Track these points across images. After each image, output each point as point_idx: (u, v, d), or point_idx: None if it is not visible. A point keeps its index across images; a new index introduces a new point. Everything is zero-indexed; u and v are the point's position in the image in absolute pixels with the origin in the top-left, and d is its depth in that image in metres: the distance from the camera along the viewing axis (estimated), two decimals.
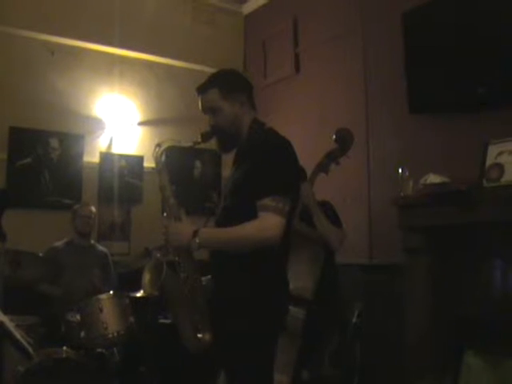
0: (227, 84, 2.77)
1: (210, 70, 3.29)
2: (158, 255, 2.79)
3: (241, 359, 2.56)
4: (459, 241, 4.08)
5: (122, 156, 6.31)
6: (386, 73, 5.16)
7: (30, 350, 3.07)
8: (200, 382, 4.48)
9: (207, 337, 2.63)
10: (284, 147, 2.65)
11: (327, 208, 3.92)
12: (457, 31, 4.33)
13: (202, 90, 2.79)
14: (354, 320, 4.04)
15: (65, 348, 4.02)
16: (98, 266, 5.27)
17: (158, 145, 2.79)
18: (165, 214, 2.77)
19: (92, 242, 5.45)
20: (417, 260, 4.26)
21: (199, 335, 2.63)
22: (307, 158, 3.44)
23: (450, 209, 3.99)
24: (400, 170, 4.34)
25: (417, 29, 4.66)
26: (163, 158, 2.79)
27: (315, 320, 3.59)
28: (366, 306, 4.22)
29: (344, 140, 3.94)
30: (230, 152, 2.87)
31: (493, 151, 3.95)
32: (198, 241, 2.55)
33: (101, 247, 5.53)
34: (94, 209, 5.46)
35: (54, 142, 5.90)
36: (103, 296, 4.38)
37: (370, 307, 4.35)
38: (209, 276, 2.79)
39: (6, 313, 3.10)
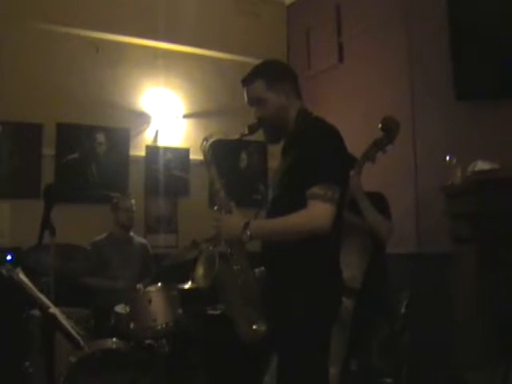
0: (272, 75, 2.76)
1: (253, 61, 3.27)
2: (211, 248, 2.78)
3: (294, 346, 2.54)
4: (509, 229, 4.00)
5: (167, 149, 6.36)
6: (431, 60, 5.08)
7: (81, 341, 3.11)
8: (249, 373, 4.50)
9: (263, 328, 2.64)
10: (331, 135, 2.64)
11: (377, 198, 3.89)
12: (504, 15, 4.25)
13: (247, 81, 2.78)
14: (403, 310, 4.01)
15: (114, 339, 4.08)
16: (139, 258, 5.33)
17: (206, 138, 2.79)
18: (216, 208, 2.77)
19: (131, 233, 5.44)
20: (465, 249, 4.21)
21: (254, 326, 2.65)
22: (352, 148, 3.41)
23: (499, 196, 3.92)
24: (448, 158, 4.28)
25: (463, 14, 4.58)
26: (211, 151, 2.78)
27: (364, 310, 3.57)
28: (414, 296, 4.18)
29: (390, 128, 3.90)
30: (277, 143, 2.86)
31: None
32: (249, 232, 2.55)
33: (140, 238, 5.55)
34: (133, 201, 5.46)
35: (101, 137, 5.98)
36: (152, 288, 4.40)
37: (418, 297, 4.31)
38: (261, 268, 2.80)
39: (57, 305, 3.15)
